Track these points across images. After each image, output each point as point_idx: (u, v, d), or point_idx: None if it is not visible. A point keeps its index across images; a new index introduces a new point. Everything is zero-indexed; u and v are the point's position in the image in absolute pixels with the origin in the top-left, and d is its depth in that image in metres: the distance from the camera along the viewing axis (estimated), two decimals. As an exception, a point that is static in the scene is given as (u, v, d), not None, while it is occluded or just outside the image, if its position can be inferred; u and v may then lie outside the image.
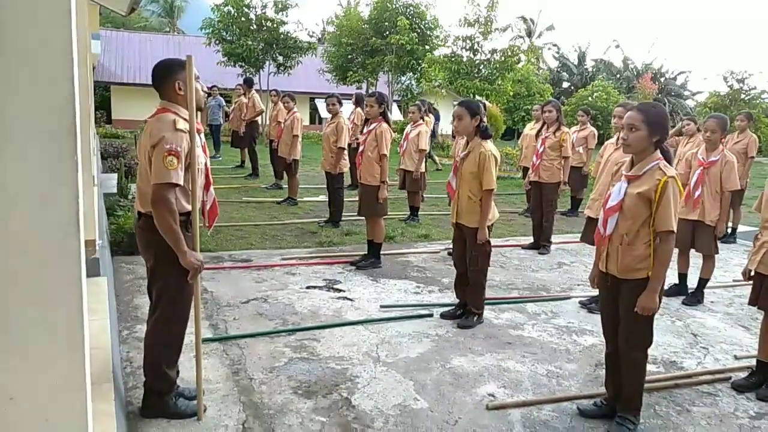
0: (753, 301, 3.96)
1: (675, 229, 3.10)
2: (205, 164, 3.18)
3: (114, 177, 8.79)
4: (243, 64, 20.96)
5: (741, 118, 8.61)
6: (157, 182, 2.81)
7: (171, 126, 2.88)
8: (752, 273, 3.93)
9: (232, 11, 20.53)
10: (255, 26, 20.72)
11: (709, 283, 5.80)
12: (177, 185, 2.85)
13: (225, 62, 21.19)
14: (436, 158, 15.18)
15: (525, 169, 9.22)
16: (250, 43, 20.37)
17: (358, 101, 10.95)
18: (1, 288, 1.32)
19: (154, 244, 3.02)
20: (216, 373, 3.76)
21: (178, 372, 3.30)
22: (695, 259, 5.78)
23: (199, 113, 3.04)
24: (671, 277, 5.77)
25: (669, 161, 3.21)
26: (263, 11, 20.95)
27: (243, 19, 20.63)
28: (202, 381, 3.23)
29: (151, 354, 3.17)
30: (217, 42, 20.88)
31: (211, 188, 3.28)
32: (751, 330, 4.98)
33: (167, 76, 3.01)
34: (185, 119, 2.96)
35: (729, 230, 8.59)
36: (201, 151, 3.08)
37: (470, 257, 4.74)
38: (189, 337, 3.24)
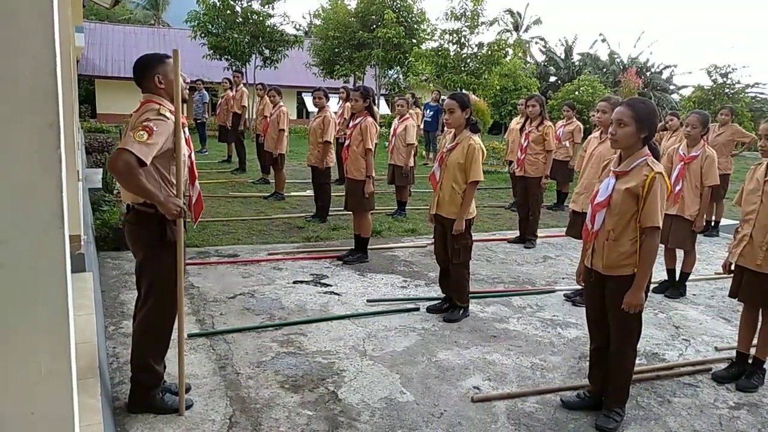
0: (733, 293, 4.02)
1: (660, 225, 3.14)
2: (190, 157, 3.17)
3: (99, 172, 8.71)
4: (229, 58, 20.82)
5: (725, 112, 8.73)
6: (119, 147, 2.74)
7: (155, 112, 2.89)
8: (732, 266, 4.00)
9: (218, 4, 20.36)
10: (241, 19, 20.56)
11: (692, 276, 5.88)
12: (136, 156, 2.71)
13: (211, 55, 21.03)
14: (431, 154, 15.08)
15: (511, 163, 9.27)
16: (236, 36, 20.21)
17: (348, 96, 10.93)
18: (-16, 283, 1.32)
19: (142, 237, 3.04)
20: (203, 368, 3.76)
21: (165, 367, 3.31)
22: (680, 253, 5.84)
23: (184, 105, 3.04)
24: (661, 273, 5.87)
25: (657, 157, 3.24)
26: (249, 4, 20.81)
27: (228, 11, 20.46)
28: (184, 376, 3.22)
29: (139, 348, 3.17)
30: (203, 35, 20.69)
31: (197, 182, 3.27)
32: (732, 322, 5.06)
33: (147, 71, 3.02)
34: (170, 110, 2.96)
35: (712, 223, 8.72)
36: (185, 143, 3.07)
37: (451, 251, 4.77)
38: (175, 332, 3.24)
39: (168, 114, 2.92)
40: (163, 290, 3.09)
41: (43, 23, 1.31)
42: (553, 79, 36.87)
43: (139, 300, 3.19)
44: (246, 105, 12.73)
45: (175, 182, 3.02)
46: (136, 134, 2.75)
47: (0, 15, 1.28)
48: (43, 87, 1.32)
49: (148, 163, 2.78)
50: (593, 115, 5.61)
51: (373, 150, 6.21)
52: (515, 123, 9.98)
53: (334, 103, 11.16)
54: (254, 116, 13.60)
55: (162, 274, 3.07)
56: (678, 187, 5.43)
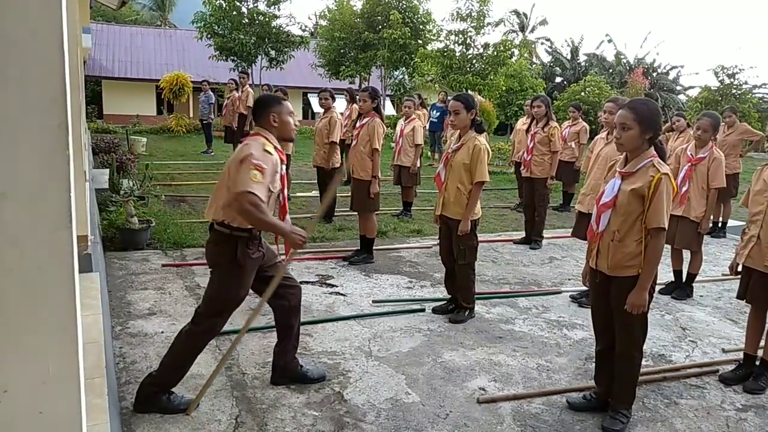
0: (741, 295, 4.01)
1: (666, 226, 3.12)
2: (283, 192, 3.32)
3: (105, 172, 8.74)
4: (235, 59, 20.87)
5: (728, 114, 8.71)
6: (239, 190, 2.98)
7: (260, 147, 3.12)
8: (740, 267, 3.98)
9: (224, 5, 20.41)
10: (247, 20, 20.61)
11: (699, 278, 5.86)
12: (256, 195, 2.97)
13: (217, 56, 21.10)
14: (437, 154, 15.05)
15: (518, 165, 9.25)
16: (242, 37, 20.26)
17: (353, 97, 10.93)
18: (-6, 282, 1.32)
19: (215, 256, 3.26)
20: (209, 368, 3.75)
21: None
22: (687, 254, 5.82)
23: (291, 144, 3.19)
24: (668, 274, 5.85)
25: (663, 157, 3.23)
26: (255, 5, 20.86)
27: (235, 12, 20.52)
28: (212, 380, 3.30)
29: (181, 350, 3.25)
30: (209, 36, 20.76)
31: (287, 218, 3.40)
32: (739, 323, 5.03)
33: (265, 109, 3.30)
34: (275, 146, 3.22)
35: (720, 224, 8.69)
36: (280, 180, 3.24)
37: (457, 252, 4.77)
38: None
39: (272, 150, 3.16)
40: (217, 307, 3.24)
41: (52, 24, 1.31)
42: (559, 79, 36.81)
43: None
44: (251, 106, 12.74)
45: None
46: (251, 174, 2.98)
47: (8, 16, 1.28)
48: (51, 88, 1.33)
49: (266, 200, 3.03)
50: (600, 116, 5.60)
51: (380, 150, 6.21)
52: (521, 124, 9.96)
53: (340, 104, 11.16)
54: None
55: (221, 293, 3.23)
56: (684, 188, 5.43)
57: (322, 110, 8.22)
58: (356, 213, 6.55)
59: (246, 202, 2.95)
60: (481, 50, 18.00)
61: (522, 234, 7.67)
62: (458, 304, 4.89)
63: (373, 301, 5.18)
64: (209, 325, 3.26)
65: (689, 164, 5.47)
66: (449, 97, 12.72)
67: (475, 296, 4.97)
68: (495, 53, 17.74)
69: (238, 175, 3.00)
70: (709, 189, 5.42)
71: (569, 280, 6.12)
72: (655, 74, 35.82)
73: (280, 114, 3.29)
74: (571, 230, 6.16)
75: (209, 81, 15.95)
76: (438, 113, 14.54)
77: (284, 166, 3.31)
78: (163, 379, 3.23)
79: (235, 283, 3.22)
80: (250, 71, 20.29)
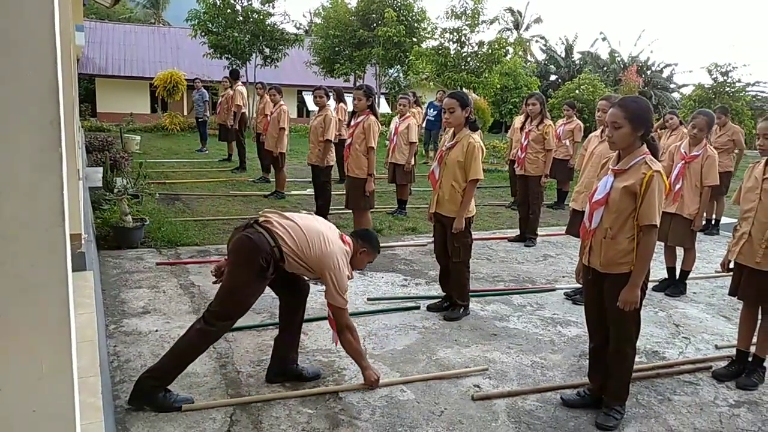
0: (733, 292, 4.03)
1: (658, 223, 3.14)
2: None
3: (99, 171, 8.70)
4: (229, 57, 20.82)
5: (717, 115, 8.63)
6: (338, 307, 3.38)
7: (347, 259, 3.42)
8: (731, 264, 4.00)
9: (218, 2, 20.36)
10: (241, 18, 20.56)
11: (692, 275, 5.89)
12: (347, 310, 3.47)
13: (211, 54, 21.04)
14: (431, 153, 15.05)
15: (512, 162, 9.26)
16: (236, 35, 20.21)
17: (340, 97, 10.92)
18: (-15, 280, 1.32)
19: (244, 253, 3.25)
20: (204, 366, 3.76)
21: None
22: (680, 251, 5.85)
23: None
24: (662, 271, 5.87)
25: (655, 154, 3.24)
26: (249, 2, 20.81)
27: (229, 10, 20.46)
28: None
29: (187, 348, 3.27)
30: (203, 34, 20.70)
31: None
32: (732, 320, 5.06)
33: (366, 241, 3.61)
34: (347, 265, 3.42)
35: (713, 222, 8.73)
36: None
37: (452, 249, 4.77)
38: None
39: (347, 268, 3.41)
40: (229, 308, 3.27)
41: (44, 21, 1.31)
42: (553, 77, 36.88)
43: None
44: (240, 104, 12.65)
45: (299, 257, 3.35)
46: (342, 289, 3.34)
47: (1, 13, 1.28)
48: (43, 84, 1.32)
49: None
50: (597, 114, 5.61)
51: (375, 148, 6.21)
52: (519, 121, 9.96)
53: (331, 105, 11.15)
54: (254, 115, 13.59)
55: (236, 294, 3.26)
56: (678, 186, 5.44)
57: (317, 108, 8.20)
58: (351, 211, 6.54)
59: (346, 324, 3.44)
60: (476, 48, 18.01)
61: (516, 232, 7.69)
62: (453, 301, 4.89)
63: (368, 299, 5.18)
64: (221, 327, 3.30)
65: (683, 162, 5.49)
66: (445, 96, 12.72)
67: (470, 294, 4.98)
68: (489, 51, 17.74)
69: (331, 285, 3.30)
70: (703, 186, 5.45)
71: (563, 277, 6.14)
72: (649, 72, 35.92)
73: (366, 257, 3.61)
74: (565, 228, 6.18)
75: (201, 79, 15.88)
76: (435, 111, 14.54)
77: None
78: (163, 373, 3.22)
79: (252, 291, 3.29)
80: (244, 69, 20.22)
